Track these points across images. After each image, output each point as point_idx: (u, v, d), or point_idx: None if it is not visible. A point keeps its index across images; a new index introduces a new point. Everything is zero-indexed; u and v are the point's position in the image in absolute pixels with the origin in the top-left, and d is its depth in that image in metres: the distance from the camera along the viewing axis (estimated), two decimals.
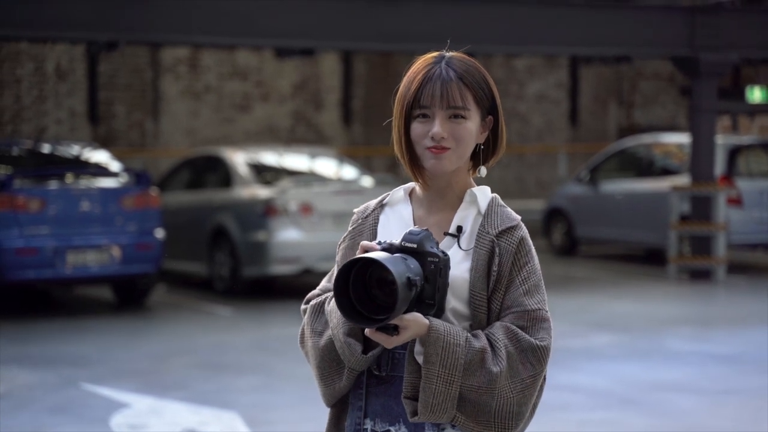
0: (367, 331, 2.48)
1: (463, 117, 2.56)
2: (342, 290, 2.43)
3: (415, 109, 2.57)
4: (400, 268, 2.40)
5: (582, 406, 7.67)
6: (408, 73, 2.61)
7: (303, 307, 2.73)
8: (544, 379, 2.59)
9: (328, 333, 2.61)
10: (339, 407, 2.67)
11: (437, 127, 2.54)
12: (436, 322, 2.49)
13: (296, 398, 7.82)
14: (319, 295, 2.71)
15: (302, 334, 2.71)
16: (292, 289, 13.07)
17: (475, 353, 2.48)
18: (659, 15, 14.50)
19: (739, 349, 9.66)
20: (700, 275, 14.07)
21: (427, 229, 2.53)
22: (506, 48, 15.34)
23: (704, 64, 14.20)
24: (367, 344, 2.55)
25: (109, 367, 9.02)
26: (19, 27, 12.10)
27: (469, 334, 2.51)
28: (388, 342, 2.47)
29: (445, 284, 2.51)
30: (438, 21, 12.93)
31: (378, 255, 2.42)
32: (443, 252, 2.50)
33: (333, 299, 2.57)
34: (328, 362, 2.61)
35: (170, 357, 9.46)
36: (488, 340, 2.51)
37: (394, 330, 2.45)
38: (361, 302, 2.43)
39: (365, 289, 2.43)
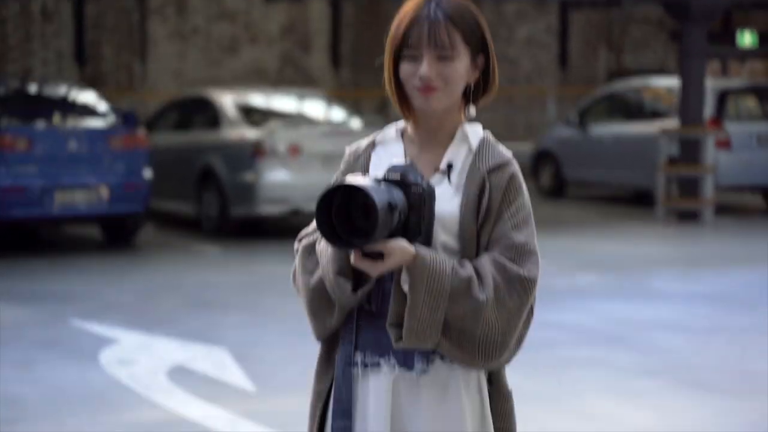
0: (352, 259, 2.49)
1: (450, 57, 2.55)
2: (324, 216, 2.43)
3: (403, 49, 2.58)
4: (382, 194, 2.41)
5: (568, 343, 7.72)
6: (398, 14, 2.61)
7: (296, 245, 2.74)
8: (532, 312, 2.59)
9: (318, 272, 2.62)
10: (329, 341, 2.68)
11: (425, 68, 2.55)
12: (423, 249, 2.49)
13: (284, 335, 7.85)
14: (312, 233, 2.71)
15: (294, 272, 2.72)
16: (280, 229, 13.09)
17: (462, 281, 2.49)
18: None
19: (725, 289, 9.72)
20: (688, 217, 14.12)
21: (411, 162, 2.54)
22: None
23: (694, 8, 14.13)
24: (357, 282, 2.56)
25: (97, 303, 9.04)
26: None
27: (455, 263, 2.52)
28: (374, 268, 2.47)
29: (431, 214, 2.51)
30: None
31: (359, 181, 2.43)
32: (427, 182, 2.51)
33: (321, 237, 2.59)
34: (319, 300, 2.62)
35: (158, 294, 9.49)
36: (475, 269, 2.52)
37: (379, 256, 2.46)
38: (343, 228, 2.44)
39: (348, 215, 2.44)
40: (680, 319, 8.47)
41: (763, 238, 12.74)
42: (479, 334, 2.50)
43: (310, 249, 2.67)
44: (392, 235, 2.46)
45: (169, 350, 7.44)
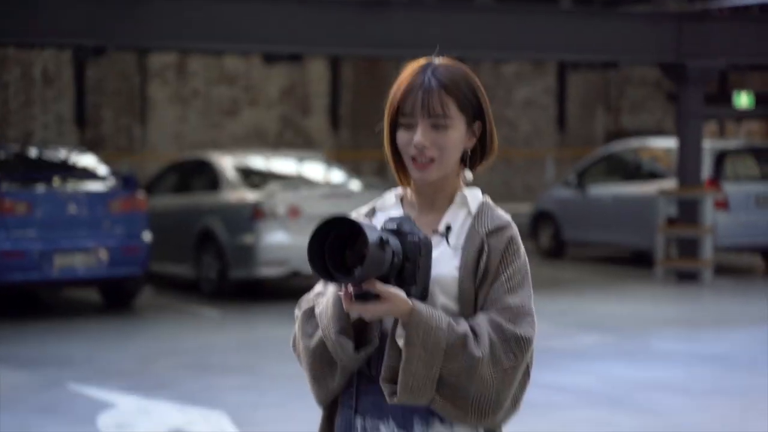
0: (344, 305, 2.49)
1: (444, 126, 2.57)
2: (317, 252, 2.43)
3: (399, 117, 2.60)
4: (374, 231, 2.41)
5: (568, 405, 7.68)
6: (397, 80, 2.64)
7: (296, 311, 2.74)
8: (528, 373, 2.60)
9: (318, 334, 2.62)
10: (330, 406, 2.68)
11: (418, 137, 2.57)
12: (420, 304, 2.49)
13: (283, 398, 7.81)
14: (312, 299, 2.71)
15: (294, 337, 2.72)
16: (279, 291, 13.07)
17: (458, 337, 2.49)
18: (646, 22, 14.54)
19: (725, 349, 9.69)
20: (687, 277, 14.11)
21: (407, 215, 2.56)
22: (493, 53, 15.36)
23: (691, 71, 14.25)
24: (358, 343, 2.57)
25: (95, 367, 9.01)
26: (7, 32, 12.07)
27: (451, 319, 2.52)
28: (367, 311, 2.47)
29: (428, 265, 2.52)
30: (424, 27, 12.94)
31: (352, 216, 2.44)
32: (424, 234, 2.52)
33: (323, 300, 2.61)
34: (320, 363, 2.62)
35: (157, 357, 9.45)
36: (471, 326, 2.53)
37: (372, 298, 2.45)
38: (334, 265, 2.44)
39: (342, 256, 2.44)
40: (680, 381, 8.44)
41: (762, 298, 12.72)
42: (473, 391, 2.49)
43: (309, 313, 2.67)
44: (386, 279, 2.46)
45: (168, 414, 7.40)
